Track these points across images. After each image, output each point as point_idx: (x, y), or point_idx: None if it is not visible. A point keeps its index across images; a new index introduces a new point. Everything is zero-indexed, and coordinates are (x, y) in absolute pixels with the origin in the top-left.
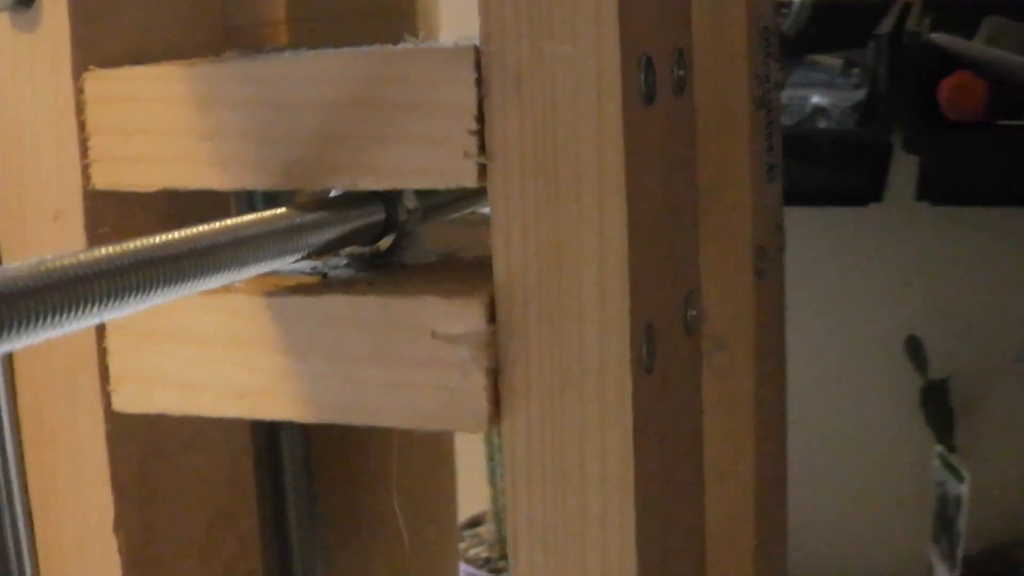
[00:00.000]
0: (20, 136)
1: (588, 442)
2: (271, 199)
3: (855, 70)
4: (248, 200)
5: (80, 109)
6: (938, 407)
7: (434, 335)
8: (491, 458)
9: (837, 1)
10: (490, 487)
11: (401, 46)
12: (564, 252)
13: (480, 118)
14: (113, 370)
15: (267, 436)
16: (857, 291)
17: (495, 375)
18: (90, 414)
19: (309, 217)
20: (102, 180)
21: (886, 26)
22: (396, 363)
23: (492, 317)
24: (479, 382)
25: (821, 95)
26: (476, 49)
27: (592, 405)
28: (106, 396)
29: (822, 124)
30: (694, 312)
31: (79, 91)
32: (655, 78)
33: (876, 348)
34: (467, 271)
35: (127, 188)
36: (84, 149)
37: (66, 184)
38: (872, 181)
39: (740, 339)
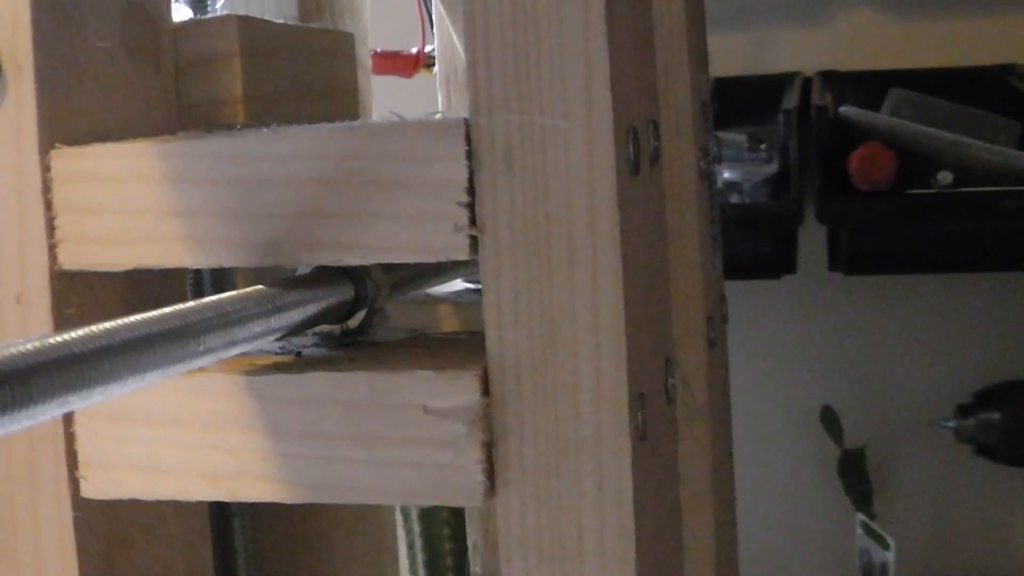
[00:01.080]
0: None
1: (586, 514)
2: (219, 276)
3: (762, 145)
4: (196, 277)
5: (47, 187)
6: (856, 475)
7: (426, 410)
8: (411, 546)
9: (739, 77)
10: None
11: (385, 120)
12: (558, 324)
13: (471, 191)
14: (82, 456)
15: (218, 523)
16: (772, 362)
17: (489, 448)
18: (54, 501)
19: (288, 295)
20: (69, 260)
21: (791, 101)
22: (382, 440)
23: (486, 390)
24: (474, 456)
25: (731, 170)
26: (466, 123)
27: (589, 477)
28: (74, 482)
29: (735, 199)
30: (672, 380)
31: (45, 169)
32: (639, 149)
33: (792, 419)
34: (446, 346)
35: (95, 268)
36: (51, 228)
37: (30, 265)
38: (786, 253)
39: (699, 405)
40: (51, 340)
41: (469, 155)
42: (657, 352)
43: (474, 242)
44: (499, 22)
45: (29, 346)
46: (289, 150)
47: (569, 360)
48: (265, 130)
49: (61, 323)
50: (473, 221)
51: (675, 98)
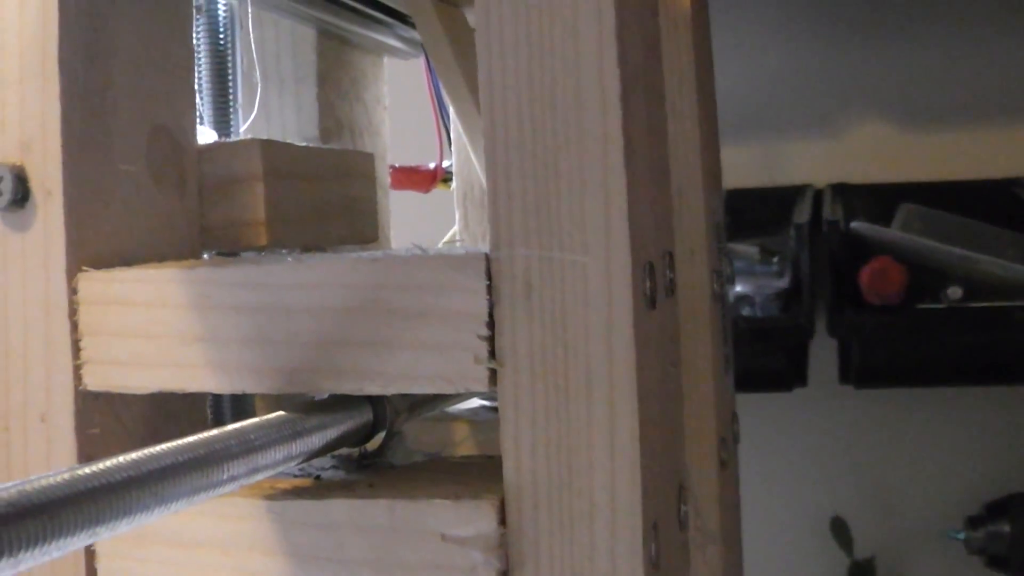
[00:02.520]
0: (6, 336)
1: None
2: (238, 397)
3: (774, 258)
4: (216, 396)
5: (73, 310)
6: None
7: (444, 538)
8: None
9: (750, 189)
10: None
11: (408, 252)
12: (575, 454)
13: (491, 324)
14: (102, 575)
15: None
16: (783, 473)
17: None
18: None
19: (309, 421)
20: (94, 382)
21: (803, 214)
22: (401, 566)
23: (503, 519)
24: None
25: (743, 283)
26: (486, 257)
27: None
28: None
29: (746, 311)
30: (685, 507)
31: (72, 291)
32: (655, 283)
33: (802, 529)
34: (463, 472)
35: (120, 390)
36: (76, 350)
37: (55, 385)
38: (797, 365)
39: (710, 527)
40: (80, 472)
41: (489, 288)
42: (671, 480)
43: (493, 374)
44: (519, 158)
45: (58, 479)
46: (313, 280)
47: (585, 490)
48: (289, 259)
49: (84, 443)
50: (492, 353)
51: (689, 220)
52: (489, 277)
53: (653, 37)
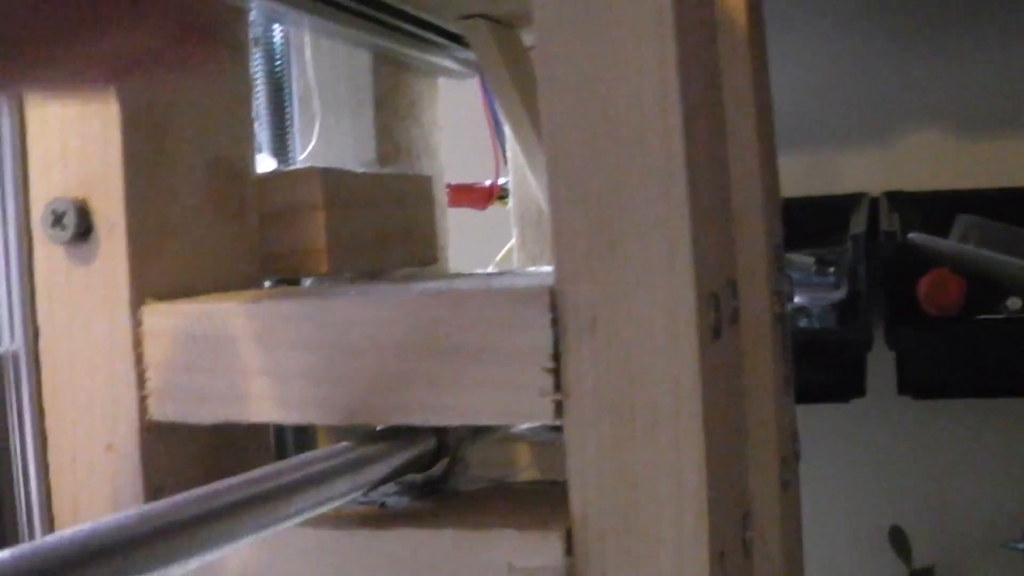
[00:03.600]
0: (71, 369)
1: None
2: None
3: (830, 269)
4: (279, 427)
5: (138, 342)
6: None
7: (511, 569)
8: None
9: (805, 198)
10: None
11: (470, 287)
12: (641, 486)
13: (556, 357)
14: None
15: None
16: (842, 483)
17: None
18: None
19: (373, 450)
20: (159, 412)
21: (859, 225)
22: None
23: (569, 549)
24: None
25: (799, 294)
26: (551, 291)
27: None
28: None
29: (803, 323)
30: (749, 534)
31: (137, 324)
32: (720, 314)
33: (861, 539)
34: (528, 500)
35: (185, 421)
36: (141, 381)
37: (121, 416)
38: (854, 377)
39: (771, 550)
40: (150, 511)
41: (554, 322)
42: (736, 508)
43: (558, 406)
44: (582, 193)
45: (130, 518)
46: (377, 316)
47: (652, 522)
48: (352, 291)
49: (150, 473)
50: (558, 387)
51: (749, 244)
52: (554, 310)
53: (713, 66)
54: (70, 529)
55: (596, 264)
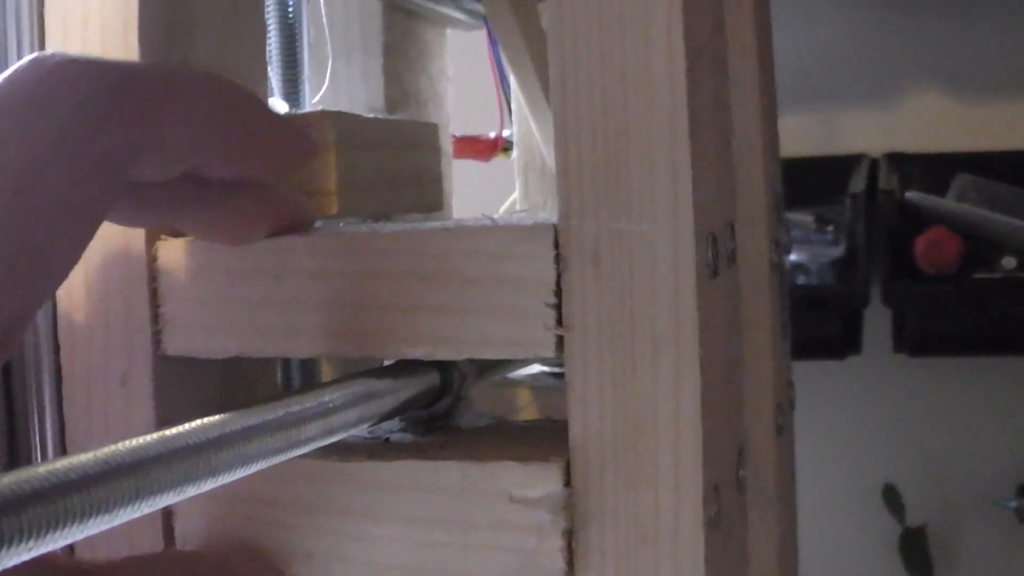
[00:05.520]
0: (89, 302)
1: None
2: (307, 359)
3: (829, 227)
4: (285, 362)
5: (152, 277)
6: (917, 554)
7: (512, 499)
8: None
9: (806, 158)
10: None
11: (478, 222)
12: (641, 418)
13: (558, 292)
14: (178, 533)
15: None
16: (836, 440)
17: (570, 535)
18: None
19: (383, 384)
20: (172, 346)
21: (859, 184)
22: (471, 527)
23: (568, 480)
24: (556, 543)
25: (798, 252)
26: (555, 227)
27: (666, 563)
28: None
29: (801, 279)
30: (743, 472)
31: (152, 259)
32: (717, 253)
33: (854, 496)
34: (529, 435)
35: (198, 355)
36: (155, 316)
37: (136, 350)
38: (851, 334)
39: (766, 486)
40: (170, 433)
41: (557, 258)
42: (731, 444)
43: (560, 340)
44: (590, 131)
45: (151, 439)
46: (391, 247)
47: (650, 454)
48: (364, 227)
49: (162, 404)
50: (560, 321)
51: (749, 190)
52: (557, 246)
53: (718, 13)
54: (92, 451)
55: (601, 201)
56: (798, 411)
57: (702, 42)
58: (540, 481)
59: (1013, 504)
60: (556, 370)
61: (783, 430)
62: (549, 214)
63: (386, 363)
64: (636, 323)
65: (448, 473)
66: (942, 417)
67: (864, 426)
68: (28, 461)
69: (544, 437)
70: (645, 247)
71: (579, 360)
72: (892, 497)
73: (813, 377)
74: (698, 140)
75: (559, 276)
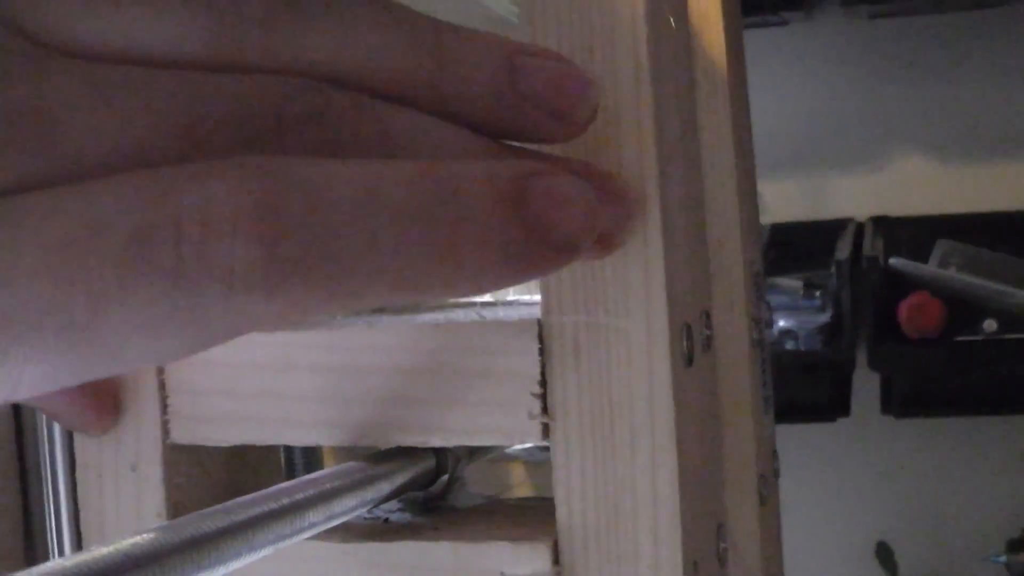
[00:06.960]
0: None
1: None
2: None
3: (817, 292)
4: (288, 447)
5: (160, 369)
6: None
7: None
8: None
9: (794, 223)
10: None
11: (469, 319)
12: (621, 500)
13: (543, 383)
14: None
15: None
16: (828, 500)
17: None
18: None
19: (381, 469)
20: (180, 436)
21: (844, 250)
22: None
23: (556, 559)
24: None
25: (786, 318)
26: (539, 322)
27: None
28: None
29: (790, 345)
30: (724, 545)
31: None
32: (692, 343)
33: (848, 554)
34: (520, 515)
35: (204, 444)
36: (164, 406)
37: (145, 438)
38: (840, 397)
39: (748, 565)
40: (182, 523)
41: (541, 351)
42: (710, 520)
43: (546, 427)
44: None
45: (167, 531)
46: (384, 344)
47: (630, 532)
48: (361, 322)
49: (172, 490)
50: (545, 409)
51: (728, 273)
52: (541, 340)
53: (690, 109)
54: (107, 544)
55: (579, 298)
56: (792, 472)
57: (673, 145)
58: (530, 560)
59: (1003, 559)
60: (547, 443)
61: (767, 499)
62: (533, 304)
63: (383, 448)
64: (615, 411)
65: (443, 553)
66: (932, 475)
67: (856, 485)
68: (43, 540)
69: (534, 516)
70: (621, 340)
71: (562, 446)
72: (885, 554)
73: (805, 439)
74: (670, 238)
75: (543, 368)
